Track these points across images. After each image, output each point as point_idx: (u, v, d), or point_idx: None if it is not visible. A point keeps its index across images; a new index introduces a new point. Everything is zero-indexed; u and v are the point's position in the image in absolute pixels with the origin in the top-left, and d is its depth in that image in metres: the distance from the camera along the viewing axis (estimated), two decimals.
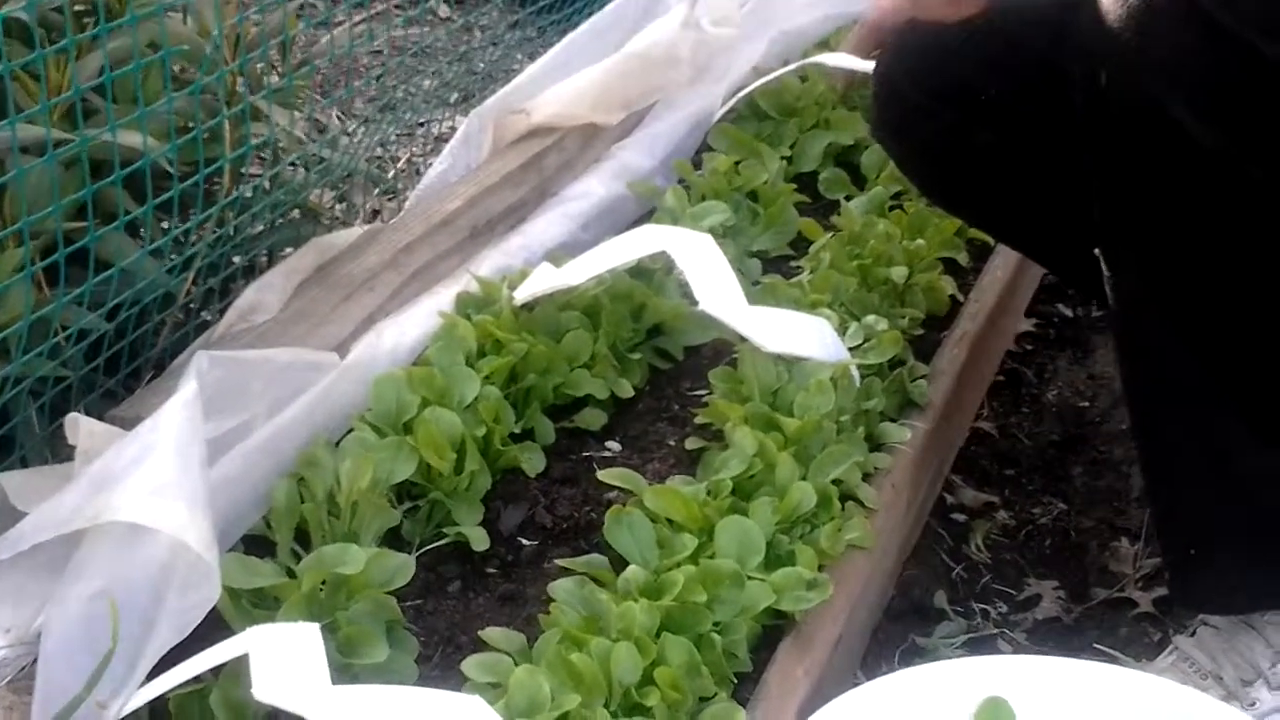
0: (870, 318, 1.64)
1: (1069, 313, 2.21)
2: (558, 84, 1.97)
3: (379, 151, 1.95)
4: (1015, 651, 1.53)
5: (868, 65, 2.09)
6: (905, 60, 1.50)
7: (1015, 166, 1.44)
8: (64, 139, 1.17)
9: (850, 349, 1.58)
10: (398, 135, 2.06)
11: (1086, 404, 2.00)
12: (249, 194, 1.50)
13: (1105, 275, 1.22)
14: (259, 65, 1.53)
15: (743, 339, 1.56)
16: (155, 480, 1.09)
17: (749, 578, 1.26)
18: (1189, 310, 1.15)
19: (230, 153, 1.40)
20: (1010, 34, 1.40)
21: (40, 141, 1.19)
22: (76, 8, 1.38)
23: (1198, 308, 1.14)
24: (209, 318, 1.56)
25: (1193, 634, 1.40)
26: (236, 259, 1.55)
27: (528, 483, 1.46)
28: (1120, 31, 1.04)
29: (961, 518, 1.75)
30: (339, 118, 1.74)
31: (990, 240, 1.94)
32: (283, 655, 1.03)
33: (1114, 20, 1.05)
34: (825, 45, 2.36)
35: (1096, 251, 1.23)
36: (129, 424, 1.22)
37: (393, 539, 1.34)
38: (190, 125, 1.38)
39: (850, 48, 2.08)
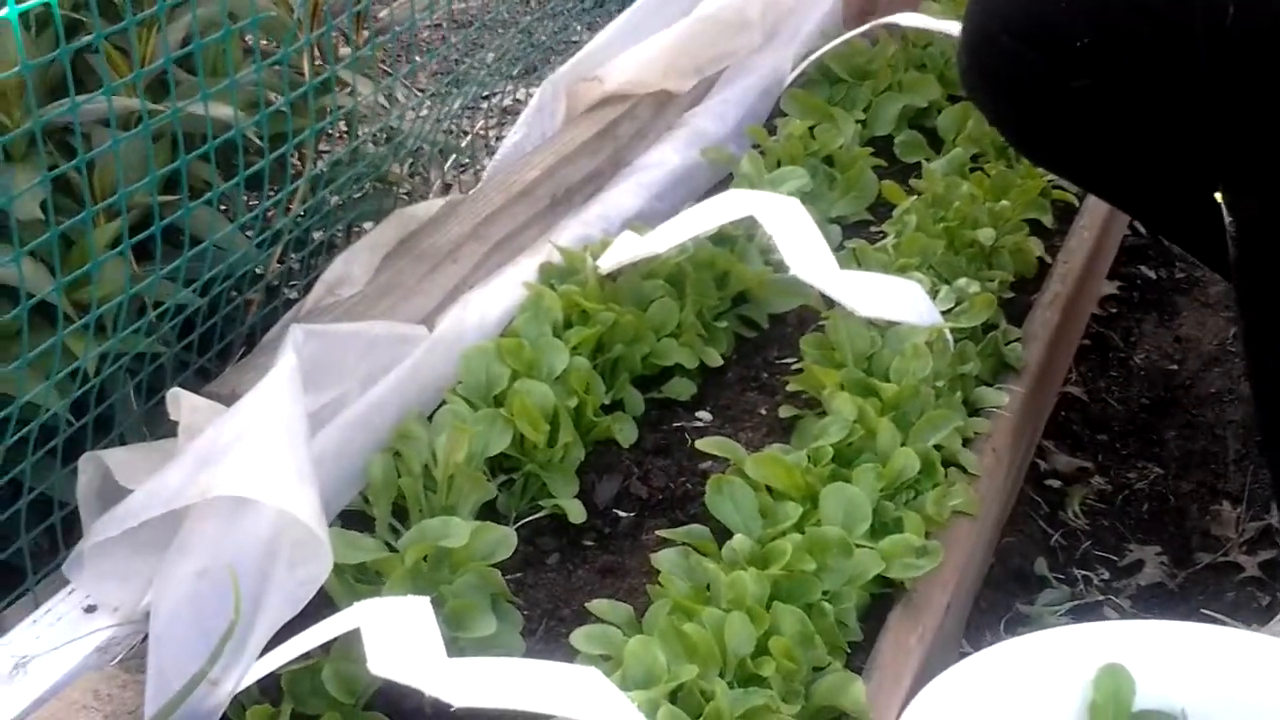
0: (961, 280, 1.61)
1: (1152, 275, 2.16)
2: (629, 50, 1.94)
3: (447, 125, 1.92)
4: (1122, 618, 1.50)
5: (941, 24, 2.06)
6: (997, 5, 1.45)
7: (1114, 115, 1.39)
8: (154, 111, 1.14)
9: (942, 312, 1.54)
10: (463, 109, 2.03)
11: (1175, 367, 1.96)
12: (331, 167, 1.47)
13: (1227, 220, 1.18)
14: (333, 36, 1.51)
15: (830, 305, 1.53)
16: (262, 454, 1.07)
17: (857, 545, 1.23)
18: None
19: (314, 124, 1.37)
20: None
21: (128, 114, 1.18)
22: None
23: None
24: (292, 295, 1.54)
25: None
26: (318, 234, 1.53)
27: (620, 454, 1.44)
28: None
29: (1056, 484, 1.72)
30: (404, 92, 1.71)
31: (1074, 200, 1.90)
32: (395, 629, 1.01)
33: None
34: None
35: (1217, 196, 1.19)
36: (226, 400, 1.20)
37: (489, 513, 1.32)
38: (271, 98, 1.36)
39: None
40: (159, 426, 1.26)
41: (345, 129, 1.56)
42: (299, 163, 1.41)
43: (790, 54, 2.13)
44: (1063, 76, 1.39)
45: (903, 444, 1.36)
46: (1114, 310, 2.07)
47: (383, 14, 1.68)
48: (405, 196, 1.72)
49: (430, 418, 1.38)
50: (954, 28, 2.00)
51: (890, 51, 2.13)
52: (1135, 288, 2.13)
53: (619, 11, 2.18)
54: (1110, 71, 1.37)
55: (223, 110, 1.21)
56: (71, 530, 1.22)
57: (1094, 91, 1.38)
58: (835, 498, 1.27)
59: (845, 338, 1.48)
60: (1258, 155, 1.11)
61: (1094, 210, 1.89)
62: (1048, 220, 1.85)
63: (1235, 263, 1.19)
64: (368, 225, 1.64)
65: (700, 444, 1.38)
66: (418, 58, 2.35)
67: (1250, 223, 1.16)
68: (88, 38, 1.10)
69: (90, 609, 1.14)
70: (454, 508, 1.28)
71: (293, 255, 1.50)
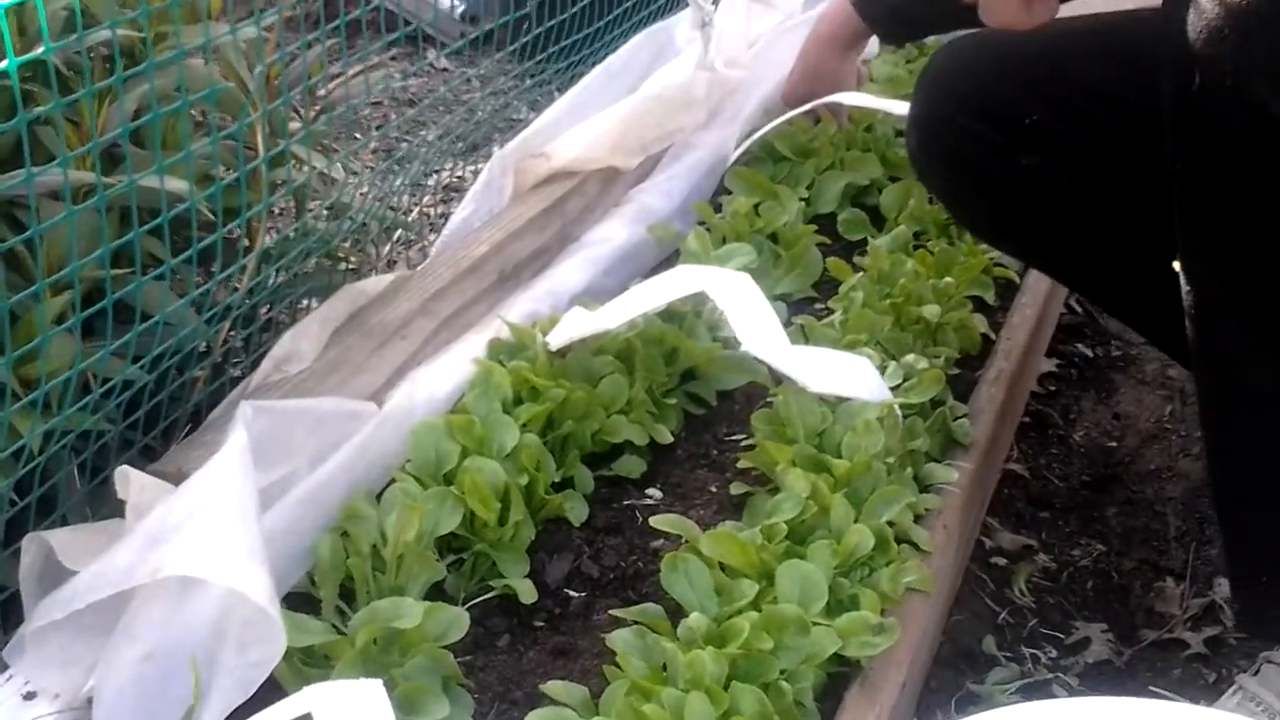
0: (909, 356, 1.62)
1: (1089, 352, 2.19)
2: (576, 127, 1.94)
3: (393, 202, 1.92)
4: (1071, 696, 1.50)
5: (882, 103, 2.09)
6: (948, 83, 1.48)
7: (1064, 190, 1.41)
8: (108, 183, 1.13)
9: (891, 388, 1.55)
10: (407, 186, 2.03)
11: (1114, 444, 1.98)
12: (283, 241, 1.46)
13: (1184, 290, 1.19)
14: (284, 111, 1.50)
15: (779, 381, 1.53)
16: (213, 532, 1.05)
17: (813, 623, 1.22)
18: (1275, 312, 1.13)
19: (263, 198, 1.36)
20: (1060, 56, 1.39)
21: (76, 187, 1.16)
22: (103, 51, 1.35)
23: None
24: (236, 373, 1.52)
25: (1256, 672, 1.37)
26: (265, 309, 1.52)
27: (571, 532, 1.42)
28: (1216, 32, 1.02)
29: (1002, 561, 1.72)
30: (351, 168, 1.71)
31: (1015, 277, 1.92)
32: (349, 714, 0.99)
33: (1210, 21, 1.03)
34: None
35: (1176, 266, 1.21)
36: (172, 479, 1.18)
37: (438, 593, 1.30)
38: (219, 172, 1.35)
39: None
40: (102, 506, 1.23)
41: (293, 205, 1.55)
42: (249, 238, 1.39)
43: (734, 132, 2.15)
44: (1012, 153, 1.42)
45: (856, 520, 1.35)
46: (1053, 388, 2.09)
47: (320, 92, 1.68)
48: (352, 272, 1.70)
49: (379, 496, 1.36)
50: (894, 106, 2.03)
51: (832, 130, 2.16)
52: (1073, 365, 2.15)
53: (561, 90, 2.19)
54: (1059, 147, 1.40)
55: (176, 184, 1.19)
56: (10, 614, 1.19)
57: (1043, 167, 1.41)
58: (791, 575, 1.27)
59: (797, 413, 1.48)
60: (1214, 222, 1.13)
61: (1034, 288, 1.92)
62: (990, 297, 1.87)
63: (1192, 332, 1.20)
64: (310, 303, 1.62)
65: (654, 521, 1.36)
66: (359, 135, 2.35)
67: (1205, 284, 1.17)
68: (40, 109, 1.08)
69: (30, 695, 1.11)
70: (403, 588, 1.26)
71: (239, 331, 1.48)
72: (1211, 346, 1.20)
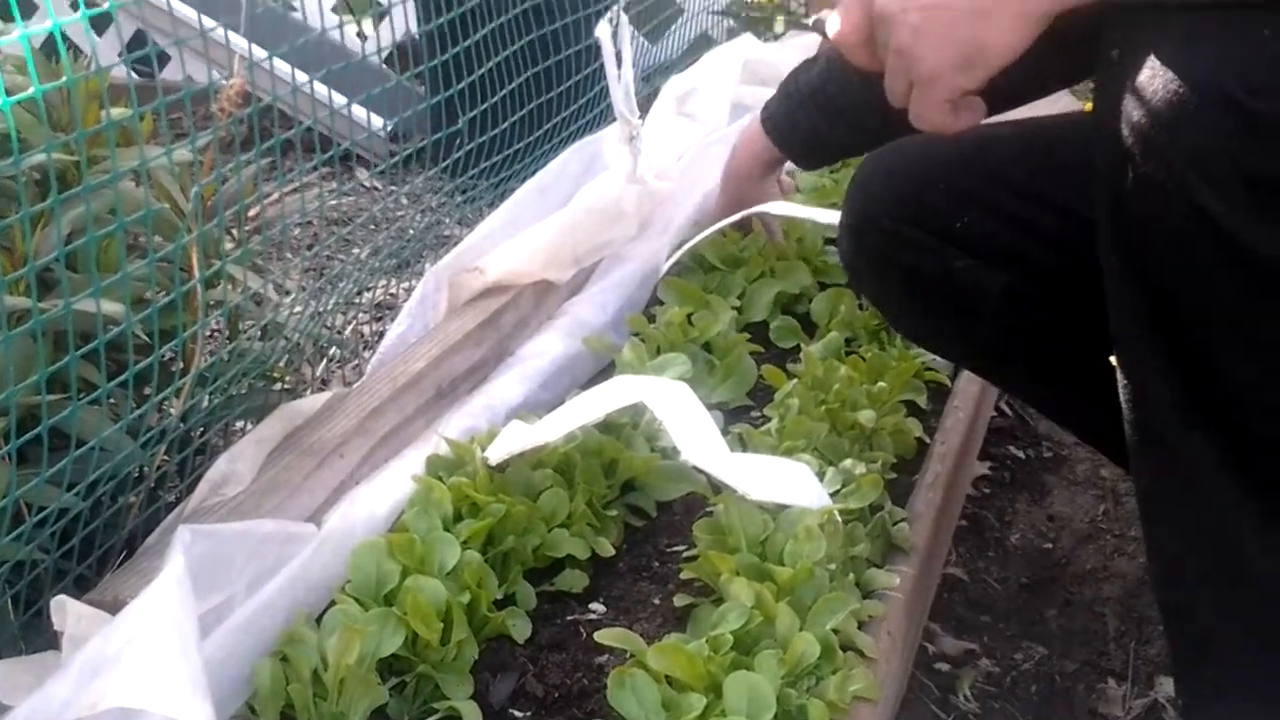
0: (847, 462, 1.63)
1: (1021, 454, 2.21)
2: (509, 242, 1.96)
3: (325, 321, 1.91)
4: None
5: (809, 212, 2.13)
6: (879, 188, 1.51)
7: (1000, 295, 1.44)
8: (41, 309, 1.12)
9: (831, 494, 1.56)
10: (340, 305, 2.03)
11: (1050, 545, 1.99)
12: (218, 362, 1.45)
13: (1121, 384, 1.21)
14: (218, 231, 1.50)
15: (717, 491, 1.54)
16: (152, 662, 1.02)
17: None
18: (1215, 408, 1.15)
19: (198, 320, 1.35)
20: (988, 159, 1.42)
21: (10, 313, 1.15)
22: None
23: (1224, 404, 1.14)
24: (170, 497, 1.49)
25: None
26: (201, 431, 1.50)
27: (515, 650, 1.41)
28: (1149, 131, 1.05)
29: (945, 666, 1.72)
30: (280, 289, 1.71)
31: (947, 381, 1.95)
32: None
33: (1142, 120, 1.06)
34: None
35: (1112, 360, 1.23)
36: (108, 607, 1.16)
37: (380, 718, 1.28)
38: (155, 294, 1.34)
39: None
40: (38, 638, 1.20)
41: (227, 326, 1.54)
42: (184, 360, 1.38)
43: (665, 243, 2.17)
44: (944, 255, 1.45)
45: (801, 628, 1.35)
46: (987, 490, 2.10)
47: (253, 212, 1.68)
48: (287, 392, 1.69)
49: (319, 619, 1.34)
50: (822, 215, 2.06)
51: (762, 241, 2.19)
52: (1006, 468, 2.17)
53: (492, 206, 2.21)
54: (991, 249, 1.43)
55: (112, 307, 1.18)
56: None
57: (976, 269, 1.43)
58: (739, 687, 1.26)
59: (738, 522, 1.48)
60: (1149, 314, 1.15)
61: (965, 391, 1.94)
62: (923, 401, 1.89)
63: (1130, 429, 1.22)
64: (244, 424, 1.61)
65: (599, 636, 1.35)
66: (290, 255, 2.35)
67: (1140, 377, 1.19)
68: None
69: None
70: (345, 714, 1.24)
71: (174, 455, 1.46)
72: (1150, 442, 1.22)
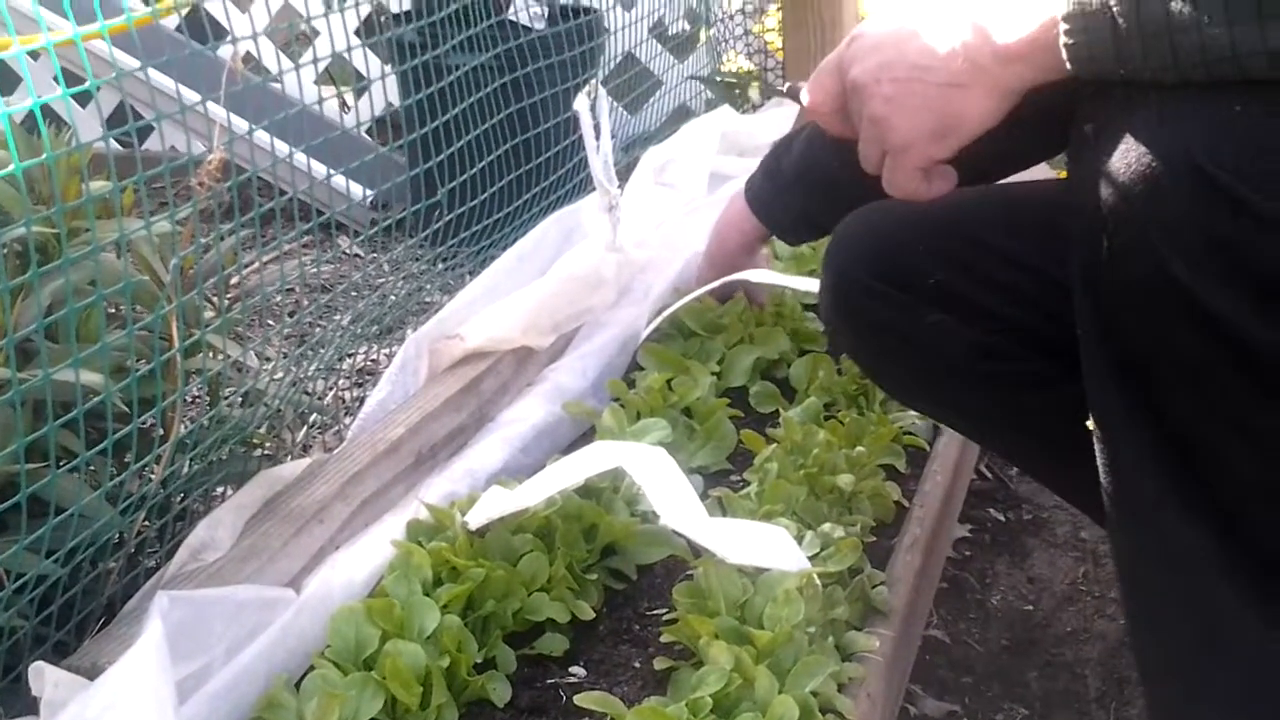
0: (825, 526, 1.63)
1: (1001, 517, 2.22)
2: (489, 308, 1.97)
3: (307, 386, 1.92)
4: None
5: (788, 280, 2.15)
6: (854, 248, 1.52)
7: (972, 350, 1.46)
8: (20, 379, 1.13)
9: (809, 558, 1.56)
10: (320, 371, 2.04)
11: (1030, 607, 2.00)
12: (198, 429, 1.46)
13: (1098, 447, 1.23)
14: (198, 301, 1.51)
15: (698, 554, 1.54)
16: None
17: None
18: (1187, 476, 1.16)
19: (178, 388, 1.36)
20: (962, 220, 1.44)
21: None
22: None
23: (1196, 472, 1.15)
24: (150, 563, 1.50)
25: None
26: (180, 498, 1.50)
27: (494, 714, 1.41)
28: (1124, 197, 1.07)
29: None
30: (261, 356, 1.72)
31: (925, 445, 1.96)
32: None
33: (1118, 186, 1.08)
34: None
35: (1088, 424, 1.24)
36: (87, 673, 1.16)
37: None
38: (134, 363, 1.35)
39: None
40: (14, 704, 1.20)
41: (206, 393, 1.55)
42: (164, 427, 1.39)
43: (644, 310, 2.19)
44: (917, 311, 1.46)
45: (780, 691, 1.35)
46: (968, 552, 2.11)
47: (234, 280, 1.69)
48: (267, 458, 1.70)
49: (298, 684, 1.34)
50: (801, 283, 2.08)
51: (740, 306, 2.21)
52: (986, 530, 2.18)
53: (473, 273, 2.23)
54: (963, 305, 1.44)
55: (91, 377, 1.19)
56: None
57: (948, 324, 1.45)
58: None
59: (717, 586, 1.49)
60: (1130, 383, 1.16)
61: (944, 454, 1.95)
62: (901, 465, 1.90)
63: (1107, 489, 1.23)
64: (223, 490, 1.61)
65: (579, 699, 1.36)
66: (272, 322, 2.36)
67: (1117, 442, 1.20)
68: None
69: None
70: None
71: (153, 521, 1.46)
72: (1126, 510, 1.23)
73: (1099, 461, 1.22)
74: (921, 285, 1.45)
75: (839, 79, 1.28)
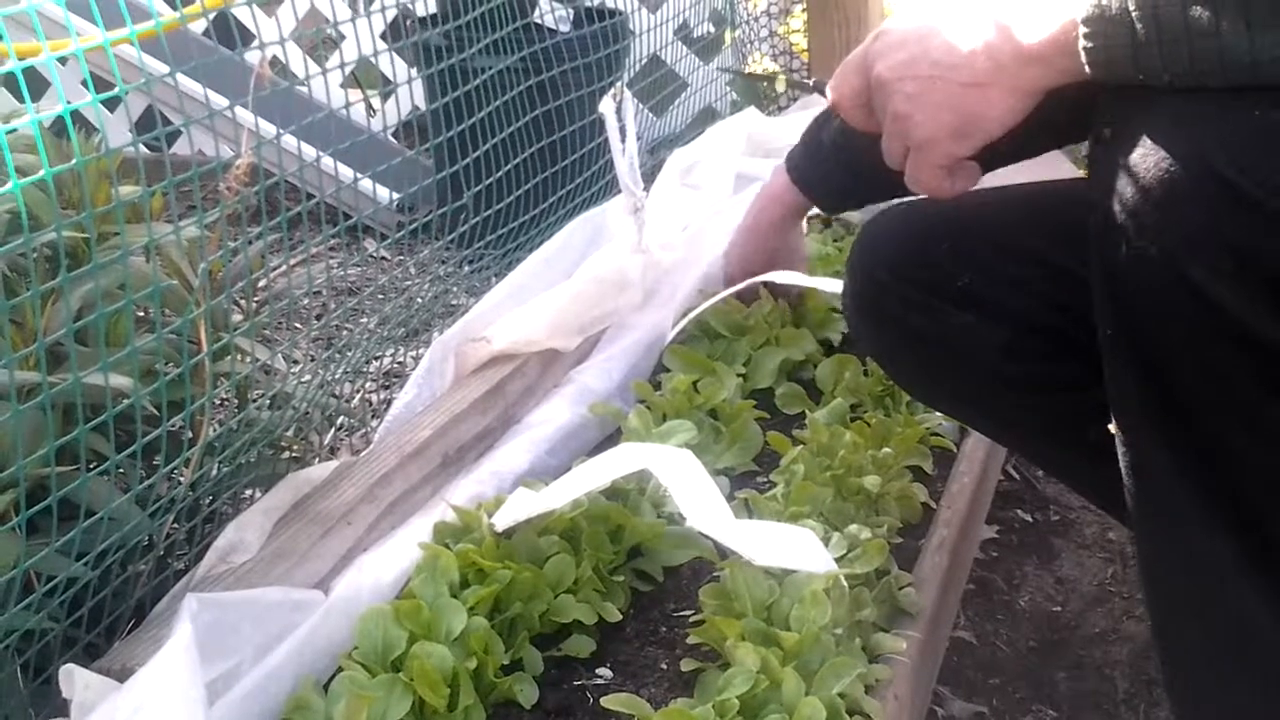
0: (852, 527, 1.63)
1: (1028, 518, 2.22)
2: (515, 311, 1.98)
3: (333, 390, 1.93)
4: None
5: (813, 281, 2.15)
6: (880, 249, 1.52)
7: (1000, 352, 1.45)
8: (50, 383, 1.14)
9: (836, 559, 1.56)
10: (348, 374, 2.05)
11: (1058, 608, 2.00)
12: (227, 432, 1.47)
13: (1121, 452, 1.22)
14: (226, 304, 1.52)
15: (725, 555, 1.54)
16: None
17: None
18: (1211, 477, 1.15)
19: (207, 391, 1.37)
20: (988, 221, 1.45)
21: (20, 387, 1.17)
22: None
23: (1222, 475, 1.15)
24: (179, 565, 1.51)
25: None
26: (209, 500, 1.51)
27: (522, 715, 1.41)
28: (1143, 201, 1.07)
29: None
30: (288, 359, 1.73)
31: (953, 447, 1.96)
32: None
33: (1135, 192, 1.08)
34: None
35: (1111, 428, 1.24)
36: (117, 675, 1.17)
37: None
38: (163, 366, 1.36)
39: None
40: (44, 706, 1.21)
41: (236, 396, 1.56)
42: (193, 430, 1.40)
43: (670, 311, 2.19)
44: (944, 314, 1.46)
45: (807, 693, 1.35)
46: (995, 554, 2.11)
47: (261, 284, 1.70)
48: (295, 461, 1.70)
49: (327, 685, 1.34)
50: (827, 284, 2.08)
51: (766, 308, 2.21)
52: (1013, 531, 2.18)
53: (499, 276, 2.24)
54: (991, 307, 1.44)
55: (120, 380, 1.20)
56: None
57: (977, 327, 1.45)
58: None
59: (744, 587, 1.49)
60: (1151, 389, 1.16)
61: (971, 455, 1.95)
62: (928, 466, 1.90)
63: (1131, 494, 1.22)
64: (253, 493, 1.62)
65: (605, 701, 1.36)
66: (299, 325, 2.37)
67: (1144, 454, 1.20)
68: None
69: None
70: None
71: (182, 524, 1.47)
72: (1151, 509, 1.22)
73: (1121, 464, 1.22)
74: (948, 287, 1.45)
75: (863, 75, 1.29)
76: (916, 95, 1.23)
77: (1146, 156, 1.07)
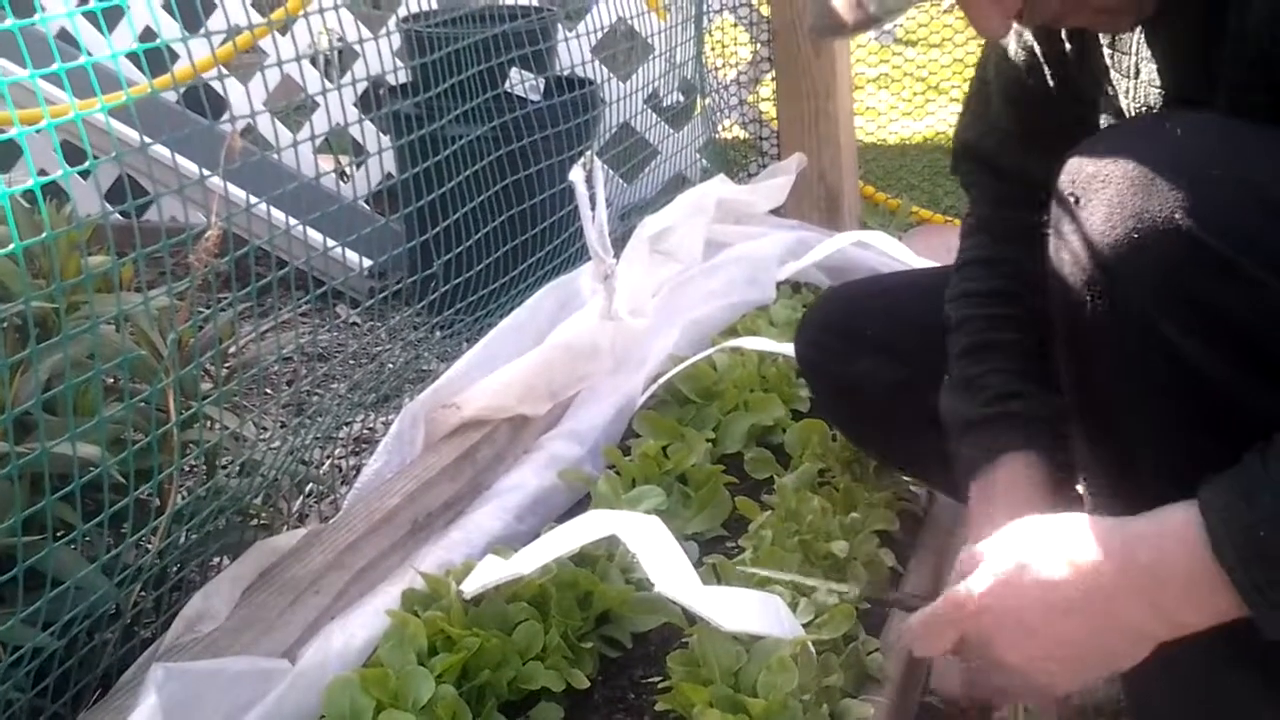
0: (820, 592, 1.64)
1: None
2: (485, 378, 1.99)
3: (304, 455, 1.94)
4: None
5: (781, 347, 2.17)
6: (817, 311, 1.86)
7: (894, 390, 1.69)
8: (18, 452, 1.14)
9: (803, 625, 1.57)
10: (318, 440, 2.05)
11: None
12: (195, 500, 1.47)
13: (1089, 501, 1.25)
14: (195, 373, 1.53)
15: (693, 621, 1.55)
16: None
17: None
18: None
19: (175, 460, 1.38)
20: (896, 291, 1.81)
21: None
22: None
23: None
24: (146, 634, 1.50)
25: None
26: (176, 568, 1.51)
27: None
28: (1111, 259, 1.09)
29: None
30: (260, 425, 1.73)
31: (919, 512, 1.97)
32: None
33: (1102, 248, 1.10)
34: (732, 332, 2.45)
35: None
36: None
37: None
38: (131, 436, 1.36)
39: None
40: None
41: (203, 463, 1.56)
42: (160, 499, 1.40)
43: (641, 377, 2.21)
44: (851, 358, 1.74)
45: None
46: None
47: (231, 351, 1.71)
48: (264, 528, 1.71)
49: None
50: (789, 349, 2.10)
51: (736, 373, 2.22)
52: None
53: (470, 341, 2.25)
54: (887, 352, 1.70)
55: (88, 450, 1.21)
56: None
57: (872, 367, 1.71)
58: None
59: (711, 653, 1.49)
60: (1111, 438, 1.18)
61: (938, 519, 1.96)
62: (895, 531, 1.91)
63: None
64: (219, 560, 1.62)
65: None
66: (270, 391, 2.38)
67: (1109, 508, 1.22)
68: None
69: None
70: None
71: (149, 592, 1.47)
72: None
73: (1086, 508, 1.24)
74: (858, 336, 1.74)
75: (957, 631, 1.24)
76: (1056, 674, 1.19)
77: (1112, 215, 1.09)
